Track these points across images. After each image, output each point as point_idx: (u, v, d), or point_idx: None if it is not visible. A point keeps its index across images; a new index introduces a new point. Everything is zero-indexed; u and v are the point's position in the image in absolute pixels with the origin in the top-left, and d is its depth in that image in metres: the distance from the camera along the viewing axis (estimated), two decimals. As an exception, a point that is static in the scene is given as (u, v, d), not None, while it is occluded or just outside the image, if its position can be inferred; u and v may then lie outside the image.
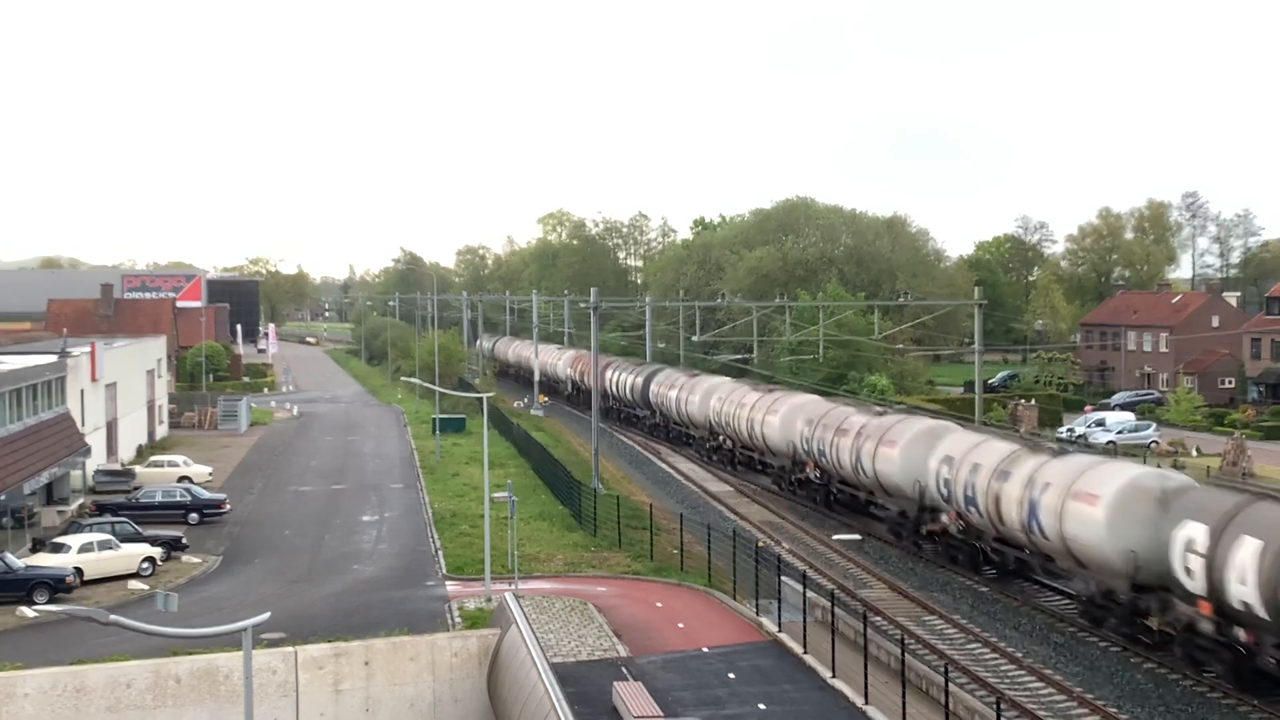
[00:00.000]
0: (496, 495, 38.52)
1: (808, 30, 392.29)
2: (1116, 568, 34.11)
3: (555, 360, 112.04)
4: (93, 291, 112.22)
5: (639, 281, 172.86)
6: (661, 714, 25.81)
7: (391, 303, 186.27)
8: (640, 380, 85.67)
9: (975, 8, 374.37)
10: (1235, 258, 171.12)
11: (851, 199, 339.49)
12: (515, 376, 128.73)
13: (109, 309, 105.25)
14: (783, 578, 33.38)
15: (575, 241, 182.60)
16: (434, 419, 77.66)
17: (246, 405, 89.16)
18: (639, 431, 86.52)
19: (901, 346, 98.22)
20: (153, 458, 64.52)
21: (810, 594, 32.05)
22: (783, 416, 59.83)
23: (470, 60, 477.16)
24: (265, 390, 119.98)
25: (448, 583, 40.38)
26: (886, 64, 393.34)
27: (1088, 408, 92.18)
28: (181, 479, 58.14)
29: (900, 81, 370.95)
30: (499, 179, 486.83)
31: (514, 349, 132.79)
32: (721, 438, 69.43)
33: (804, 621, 31.21)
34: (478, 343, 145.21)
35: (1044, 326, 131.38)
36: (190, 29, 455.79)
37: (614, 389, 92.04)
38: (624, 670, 29.53)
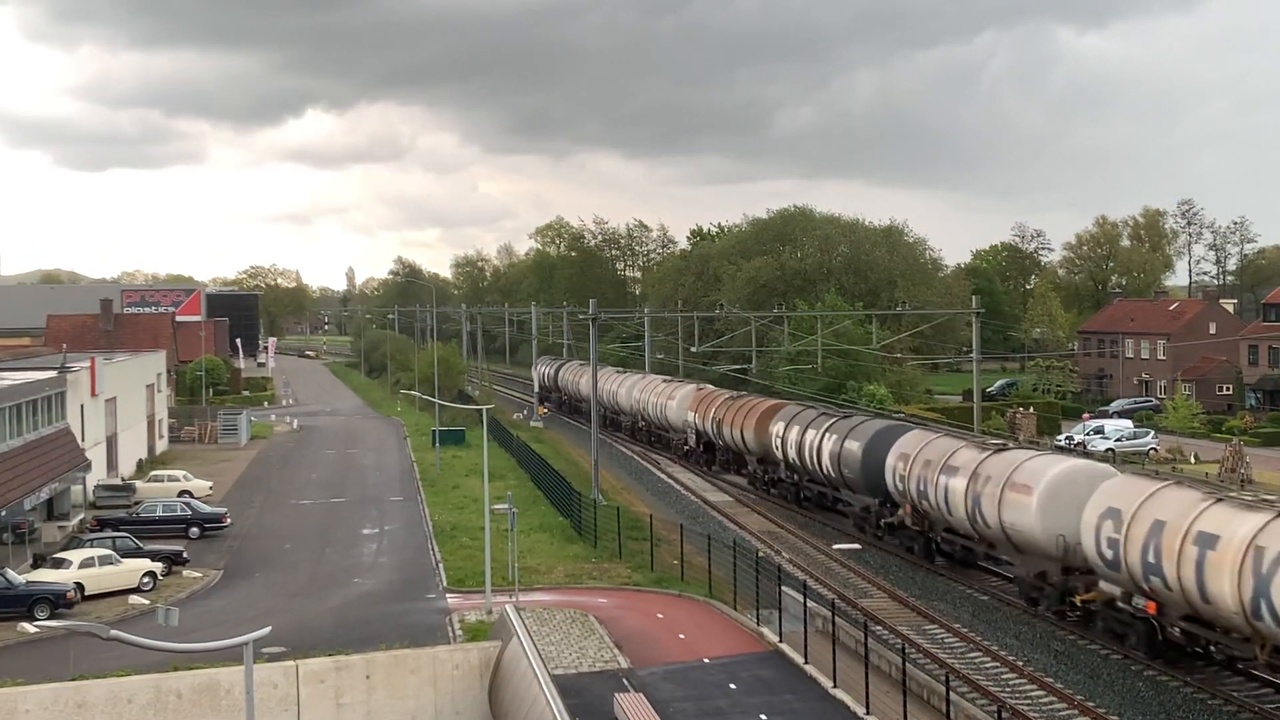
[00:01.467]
0: (496, 507, 38.54)
1: (795, 34, 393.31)
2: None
3: (663, 400, 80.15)
4: (92, 306, 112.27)
5: (637, 292, 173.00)
6: (663, 725, 25.84)
7: (390, 315, 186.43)
8: (857, 447, 50.67)
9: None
10: (1232, 265, 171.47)
11: (849, 205, 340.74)
12: (588, 413, 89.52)
13: (108, 324, 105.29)
14: (783, 587, 33.44)
15: (573, 253, 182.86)
16: (433, 431, 77.69)
17: (246, 419, 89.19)
18: (844, 524, 54.25)
19: (900, 355, 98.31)
20: (153, 472, 64.55)
21: (811, 604, 32.09)
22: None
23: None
24: (265, 404, 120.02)
25: (448, 595, 40.41)
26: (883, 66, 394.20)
27: (1086, 415, 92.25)
28: (182, 493, 58.17)
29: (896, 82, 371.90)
30: (496, 182, 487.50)
31: (588, 379, 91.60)
32: (1136, 599, 33.61)
33: (805, 631, 31.24)
34: (534, 369, 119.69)
35: (1042, 334, 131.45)
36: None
37: (792, 452, 57.71)
38: (625, 682, 29.57)
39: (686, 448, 76.08)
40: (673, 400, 78.53)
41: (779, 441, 59.90)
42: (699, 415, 73.32)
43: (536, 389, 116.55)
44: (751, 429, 63.69)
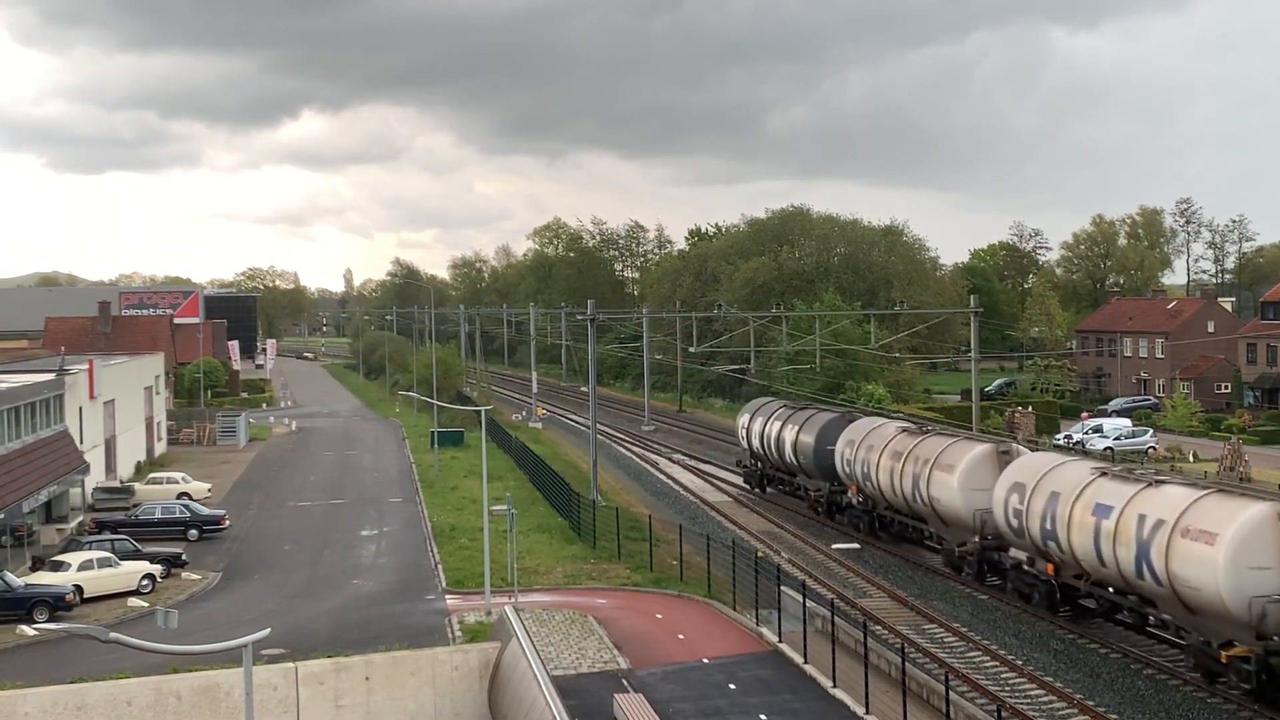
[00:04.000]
0: (495, 508, 38.54)
1: (793, 35, 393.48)
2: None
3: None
4: (90, 309, 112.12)
5: (635, 293, 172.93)
6: (662, 725, 25.80)
7: (388, 317, 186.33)
8: None
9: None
10: (1230, 263, 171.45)
11: (844, 205, 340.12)
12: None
13: (106, 326, 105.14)
14: (782, 587, 33.42)
15: (571, 254, 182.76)
16: (432, 433, 77.62)
17: (245, 421, 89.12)
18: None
19: (898, 355, 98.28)
20: (151, 474, 64.45)
21: (810, 603, 32.07)
22: None
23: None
24: (263, 405, 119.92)
25: (447, 596, 40.38)
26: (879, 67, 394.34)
27: (1084, 414, 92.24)
28: (180, 495, 58.10)
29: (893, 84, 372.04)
30: (492, 182, 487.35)
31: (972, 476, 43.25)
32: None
33: (804, 631, 31.23)
34: (741, 422, 67.25)
35: (1040, 334, 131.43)
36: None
37: None
38: (625, 682, 29.55)
39: None
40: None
41: None
42: None
43: (749, 459, 66.20)
44: None
